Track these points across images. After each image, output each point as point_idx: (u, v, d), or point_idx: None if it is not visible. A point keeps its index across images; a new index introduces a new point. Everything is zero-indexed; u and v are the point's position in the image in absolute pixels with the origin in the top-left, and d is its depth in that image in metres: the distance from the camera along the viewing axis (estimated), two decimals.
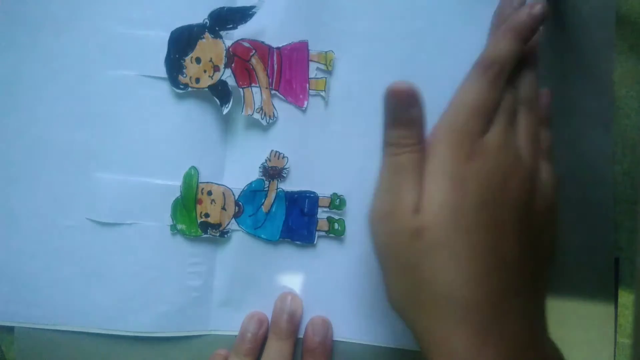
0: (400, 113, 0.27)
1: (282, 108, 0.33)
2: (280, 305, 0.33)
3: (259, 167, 0.33)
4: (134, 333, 0.33)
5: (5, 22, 0.33)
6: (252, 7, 0.32)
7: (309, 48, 0.33)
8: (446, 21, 0.33)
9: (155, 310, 0.33)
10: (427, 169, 0.26)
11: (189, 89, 0.33)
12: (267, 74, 0.33)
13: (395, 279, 0.26)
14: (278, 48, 0.33)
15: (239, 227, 0.33)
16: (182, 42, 0.33)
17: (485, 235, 0.25)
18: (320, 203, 0.33)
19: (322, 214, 0.33)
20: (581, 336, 0.33)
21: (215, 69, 0.33)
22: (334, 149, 0.33)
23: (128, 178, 0.33)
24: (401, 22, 0.33)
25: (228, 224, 0.33)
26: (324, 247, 0.34)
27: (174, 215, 0.33)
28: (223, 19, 0.32)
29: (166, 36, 0.33)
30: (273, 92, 0.33)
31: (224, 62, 0.33)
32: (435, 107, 0.34)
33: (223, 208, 0.33)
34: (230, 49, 0.33)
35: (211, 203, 0.33)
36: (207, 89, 0.33)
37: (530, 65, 0.29)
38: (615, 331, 0.33)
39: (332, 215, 0.33)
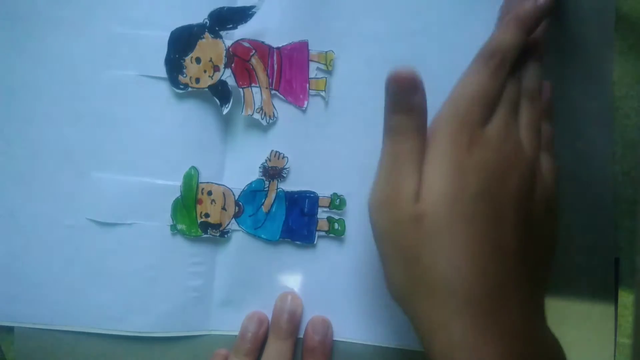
0: (401, 99, 0.26)
1: (282, 108, 0.33)
2: (280, 305, 0.33)
3: (259, 167, 0.33)
4: (134, 333, 0.33)
5: (5, 22, 0.33)
6: (252, 7, 0.32)
7: (309, 48, 0.33)
8: (446, 21, 0.33)
9: (156, 310, 0.33)
10: (428, 157, 0.26)
11: (189, 89, 0.33)
12: (267, 74, 0.33)
13: (394, 266, 0.26)
14: (278, 48, 0.33)
15: (239, 227, 0.33)
16: (182, 42, 0.33)
17: (485, 224, 0.25)
18: (320, 203, 0.33)
19: (322, 214, 0.33)
20: (581, 336, 0.33)
21: (215, 69, 0.33)
22: (334, 149, 0.33)
23: (128, 178, 0.33)
24: (401, 21, 0.33)
25: (228, 224, 0.33)
26: (324, 247, 0.34)
27: (174, 215, 0.33)
28: (223, 19, 0.32)
29: (166, 36, 0.33)
30: (273, 92, 0.33)
31: (224, 62, 0.33)
32: (436, 106, 0.34)
33: (223, 208, 0.33)
34: (230, 49, 0.33)
35: (211, 203, 0.33)
36: (207, 89, 0.33)
37: (534, 56, 0.29)
38: (615, 331, 0.33)
39: (332, 215, 0.33)
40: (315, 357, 0.33)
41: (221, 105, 0.33)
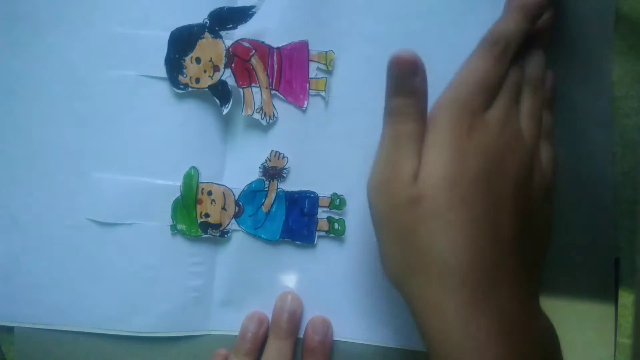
0: (402, 82, 0.26)
1: (282, 108, 0.33)
2: (280, 304, 0.33)
3: (259, 167, 0.33)
4: (134, 333, 0.33)
5: (6, 22, 0.33)
6: (252, 7, 0.32)
7: (309, 48, 0.33)
8: (446, 21, 0.33)
9: (156, 310, 0.33)
10: (427, 140, 0.26)
11: (189, 89, 0.33)
12: (267, 74, 0.33)
13: (391, 246, 0.26)
14: (278, 48, 0.33)
15: (239, 227, 0.33)
16: (182, 42, 0.33)
17: (482, 208, 0.25)
18: (320, 203, 0.33)
19: (322, 214, 0.33)
20: (581, 336, 0.33)
21: (215, 69, 0.33)
22: (334, 149, 0.33)
23: (128, 178, 0.33)
24: (401, 22, 0.33)
25: (228, 224, 0.33)
26: (324, 247, 0.34)
27: (174, 215, 0.33)
28: (223, 19, 0.32)
29: (166, 36, 0.33)
30: (273, 92, 0.33)
31: (224, 62, 0.33)
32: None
33: (223, 208, 0.33)
34: (230, 49, 0.33)
35: (211, 203, 0.33)
36: (207, 89, 0.33)
37: (538, 45, 0.29)
38: (616, 331, 0.33)
39: (332, 215, 0.33)
40: (315, 357, 0.33)
41: (221, 105, 0.33)
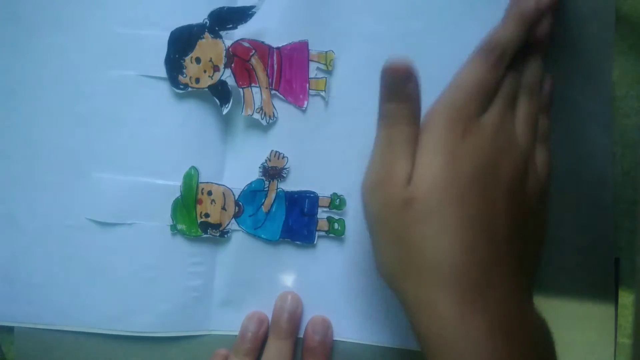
0: (396, 88, 0.27)
1: (282, 108, 0.33)
2: (280, 304, 0.33)
3: (259, 167, 0.33)
4: (134, 333, 0.33)
5: (5, 22, 0.33)
6: (252, 7, 0.32)
7: (309, 48, 0.33)
8: (446, 21, 0.33)
9: (155, 310, 0.33)
10: (422, 143, 0.26)
11: (189, 89, 0.33)
12: (267, 74, 0.33)
13: (385, 247, 0.27)
14: (278, 48, 0.33)
15: (239, 227, 0.33)
16: (182, 42, 0.33)
17: (476, 209, 0.25)
18: (320, 203, 0.33)
19: (322, 214, 0.33)
20: (581, 336, 0.33)
21: (215, 69, 0.33)
22: (334, 149, 0.33)
23: (128, 178, 0.33)
24: (401, 22, 0.33)
25: (228, 224, 0.33)
26: (324, 247, 0.34)
27: (174, 215, 0.33)
28: (223, 19, 0.32)
29: (166, 36, 0.33)
30: (273, 92, 0.33)
31: (223, 62, 0.33)
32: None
33: (223, 208, 0.33)
34: (230, 49, 0.33)
35: (211, 203, 0.33)
36: (207, 89, 0.33)
37: (536, 51, 0.29)
38: (616, 331, 0.33)
39: (332, 215, 0.33)
40: (315, 357, 0.33)
41: (221, 105, 0.33)
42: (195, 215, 0.33)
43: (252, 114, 0.33)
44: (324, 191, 0.33)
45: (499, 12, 0.31)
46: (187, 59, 0.33)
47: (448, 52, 0.33)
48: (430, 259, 0.25)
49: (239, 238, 0.33)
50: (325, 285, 0.33)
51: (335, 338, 0.33)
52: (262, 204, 0.33)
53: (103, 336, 0.34)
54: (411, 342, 0.33)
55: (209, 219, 0.33)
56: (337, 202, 0.33)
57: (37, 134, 0.34)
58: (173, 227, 0.33)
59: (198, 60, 0.33)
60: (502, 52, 0.27)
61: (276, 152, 0.33)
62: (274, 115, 0.33)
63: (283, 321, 0.33)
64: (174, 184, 0.33)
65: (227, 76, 0.33)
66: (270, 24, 0.33)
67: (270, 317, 0.33)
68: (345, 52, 0.33)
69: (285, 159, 0.33)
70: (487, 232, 0.25)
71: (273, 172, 0.33)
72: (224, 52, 0.33)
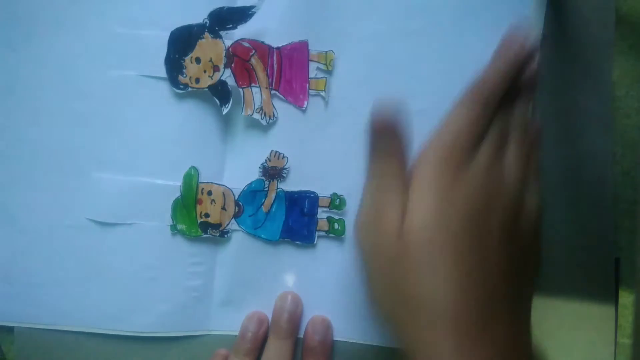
0: (380, 145, 0.27)
1: (282, 108, 0.33)
2: (280, 304, 0.33)
3: (259, 167, 0.33)
4: (134, 333, 0.33)
5: (6, 22, 0.33)
6: (252, 7, 0.32)
7: (309, 48, 0.33)
8: (446, 21, 0.33)
9: (155, 310, 0.33)
10: (412, 189, 0.26)
11: (189, 89, 0.33)
12: (267, 74, 0.33)
13: (380, 291, 0.27)
14: (278, 48, 0.33)
15: (239, 227, 0.33)
16: (182, 42, 0.33)
17: (470, 252, 0.25)
18: (320, 203, 0.33)
19: (322, 214, 0.33)
20: (581, 336, 0.33)
21: (215, 69, 0.33)
22: (334, 149, 0.33)
23: (128, 178, 0.33)
24: (401, 21, 0.33)
25: (228, 224, 0.33)
26: (324, 247, 0.34)
27: (174, 215, 0.33)
28: (223, 19, 0.32)
29: (166, 36, 0.33)
30: (273, 92, 0.33)
31: (223, 62, 0.33)
32: (436, 106, 0.34)
33: (223, 208, 0.33)
34: (230, 49, 0.33)
35: (211, 203, 0.33)
36: (207, 89, 0.33)
37: (526, 91, 0.29)
38: (616, 331, 0.33)
39: (332, 215, 0.33)
40: (315, 357, 0.33)
41: (221, 105, 0.33)
42: (195, 215, 0.33)
43: (252, 114, 0.33)
44: (324, 191, 0.33)
45: (499, 12, 0.31)
46: (187, 59, 0.33)
47: (448, 52, 0.33)
48: (427, 302, 0.25)
49: (239, 238, 0.33)
50: (325, 285, 0.33)
51: (335, 338, 0.33)
52: (262, 204, 0.33)
53: (103, 336, 0.34)
54: None
55: (209, 219, 0.33)
56: (337, 202, 0.33)
57: (37, 134, 0.33)
58: (173, 227, 0.33)
59: (198, 60, 0.33)
60: (489, 96, 0.28)
61: (276, 152, 0.33)
62: (274, 115, 0.33)
63: (283, 321, 0.33)
64: (174, 184, 0.33)
65: (227, 76, 0.33)
66: (270, 24, 0.33)
67: (270, 317, 0.33)
68: (345, 52, 0.33)
69: (285, 159, 0.33)
70: (482, 272, 0.25)
71: (273, 172, 0.33)
72: (224, 52, 0.33)
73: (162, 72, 0.33)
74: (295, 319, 0.33)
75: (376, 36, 0.33)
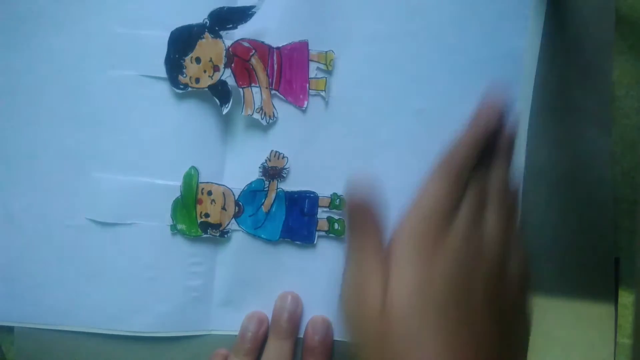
0: (358, 222, 0.28)
1: (282, 108, 0.33)
2: (280, 304, 0.33)
3: (259, 167, 0.33)
4: (134, 333, 0.33)
5: (6, 22, 0.33)
6: (252, 7, 0.32)
7: (309, 48, 0.33)
8: (446, 21, 0.33)
9: (155, 310, 0.33)
10: (392, 265, 0.26)
11: (189, 89, 0.33)
12: (267, 74, 0.33)
13: None
14: (278, 48, 0.33)
15: (239, 227, 0.33)
16: (182, 42, 0.33)
17: (455, 325, 0.25)
18: (320, 203, 0.33)
19: (322, 214, 0.33)
20: (581, 336, 0.33)
21: (215, 69, 0.33)
22: (334, 149, 0.33)
23: (128, 178, 0.33)
24: (401, 21, 0.33)
25: (228, 224, 0.33)
26: (324, 247, 0.34)
27: (174, 215, 0.33)
28: (223, 19, 0.32)
29: (166, 36, 0.33)
30: (273, 92, 0.33)
31: (223, 62, 0.33)
32: (436, 106, 0.34)
33: (223, 208, 0.33)
34: (230, 49, 0.33)
35: (211, 203, 0.33)
36: (207, 89, 0.33)
37: (503, 153, 0.29)
38: (616, 331, 0.33)
39: (332, 215, 0.33)
40: (315, 357, 0.33)
41: (221, 105, 0.33)
42: (195, 215, 0.33)
43: (252, 114, 0.33)
44: (324, 191, 0.33)
45: (499, 12, 0.31)
46: (187, 59, 0.33)
47: (448, 52, 0.33)
48: None
49: (239, 238, 0.33)
50: (325, 285, 0.33)
51: (335, 338, 0.33)
52: (262, 204, 0.33)
53: (103, 336, 0.34)
54: None
55: (209, 219, 0.33)
56: (337, 202, 0.33)
57: (37, 133, 0.33)
58: (173, 227, 0.33)
59: (198, 60, 0.33)
60: (459, 171, 0.28)
61: (276, 152, 0.33)
62: (274, 115, 0.33)
63: (283, 321, 0.33)
64: (174, 184, 0.33)
65: (227, 76, 0.33)
66: (270, 24, 0.33)
67: (270, 317, 0.33)
68: (345, 52, 0.33)
69: (285, 159, 0.33)
70: (470, 341, 0.25)
71: (273, 172, 0.33)
72: (224, 52, 0.33)
73: (162, 72, 0.33)
74: (295, 319, 0.33)
75: (376, 36, 0.33)
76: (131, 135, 0.33)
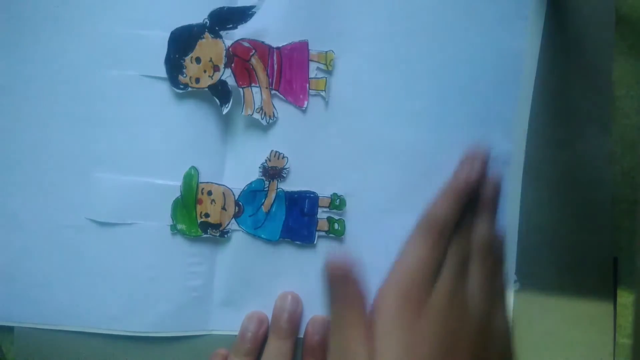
0: (336, 290, 0.28)
1: (282, 108, 0.33)
2: (280, 304, 0.33)
3: (259, 167, 0.33)
4: (134, 333, 0.33)
5: (5, 22, 0.33)
6: (252, 7, 0.32)
7: (309, 48, 0.33)
8: (446, 20, 0.33)
9: (155, 310, 0.33)
10: (377, 334, 0.26)
11: (189, 89, 0.33)
12: (267, 74, 0.33)
13: None
14: (278, 48, 0.33)
15: (239, 227, 0.33)
16: (182, 42, 0.33)
17: None
18: (320, 203, 0.33)
19: (322, 214, 0.33)
20: (581, 336, 0.33)
21: (215, 69, 0.33)
22: (334, 149, 0.33)
23: (128, 178, 0.33)
24: (401, 21, 0.33)
25: (228, 224, 0.33)
26: (324, 247, 0.34)
27: (174, 215, 0.33)
28: (223, 19, 0.32)
29: (166, 36, 0.33)
30: (273, 92, 0.33)
31: (223, 62, 0.33)
32: (436, 106, 0.34)
33: (223, 208, 0.33)
34: (230, 49, 0.33)
35: (211, 203, 0.33)
36: (207, 89, 0.33)
37: (486, 210, 0.30)
38: (615, 331, 0.33)
39: (332, 216, 0.33)
40: (315, 357, 0.33)
41: (221, 105, 0.33)
42: (195, 215, 0.33)
43: (252, 114, 0.33)
44: (324, 191, 0.33)
45: (499, 12, 0.31)
46: (187, 58, 0.33)
47: (448, 52, 0.33)
48: None
49: (239, 238, 0.33)
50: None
51: None
52: (262, 204, 0.33)
53: (103, 336, 0.34)
54: None
55: (209, 219, 0.33)
56: (337, 202, 0.33)
57: (37, 133, 0.33)
58: (173, 227, 0.33)
59: (198, 60, 0.33)
60: (441, 229, 0.28)
61: (276, 152, 0.33)
62: (274, 115, 0.33)
63: (283, 321, 0.33)
64: (174, 184, 0.33)
65: (227, 76, 0.33)
66: (270, 24, 0.33)
67: (270, 317, 0.33)
68: (345, 52, 0.33)
69: (285, 159, 0.33)
70: None
71: (273, 172, 0.33)
72: (224, 52, 0.33)
73: (162, 72, 0.33)
74: (295, 319, 0.33)
75: (376, 36, 0.33)
76: (131, 135, 0.33)
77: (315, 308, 0.34)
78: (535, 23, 0.33)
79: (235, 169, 0.34)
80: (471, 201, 0.29)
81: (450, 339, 0.26)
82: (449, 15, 0.33)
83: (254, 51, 0.33)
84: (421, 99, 0.33)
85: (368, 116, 0.33)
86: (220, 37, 0.33)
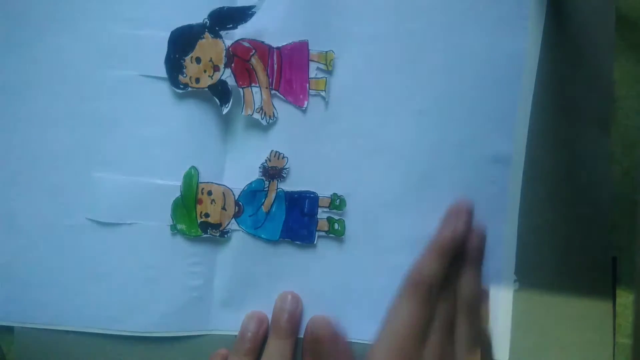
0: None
1: (282, 108, 0.33)
2: (280, 304, 0.33)
3: (259, 167, 0.33)
4: (134, 333, 0.33)
5: (5, 22, 0.33)
6: (252, 7, 0.32)
7: (309, 48, 0.33)
8: (446, 21, 0.33)
9: (155, 310, 0.33)
10: None
11: (189, 89, 0.33)
12: (267, 74, 0.33)
13: None
14: (278, 48, 0.33)
15: (239, 227, 0.33)
16: (182, 42, 0.33)
17: None
18: (320, 203, 0.33)
19: (322, 214, 0.33)
20: (580, 336, 0.33)
21: (215, 68, 0.33)
22: (334, 149, 0.33)
23: (128, 178, 0.33)
24: (401, 22, 0.33)
25: (228, 224, 0.33)
26: (324, 247, 0.34)
27: (174, 215, 0.33)
28: (223, 19, 0.32)
29: (166, 36, 0.33)
30: (273, 92, 0.33)
31: (223, 62, 0.33)
32: (436, 106, 0.34)
33: (223, 208, 0.33)
34: (230, 49, 0.33)
35: (211, 203, 0.33)
36: (207, 89, 0.33)
37: (472, 257, 0.30)
38: (614, 331, 0.33)
39: (332, 216, 0.33)
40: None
41: (221, 105, 0.33)
42: (195, 215, 0.33)
43: (252, 114, 0.33)
44: (324, 191, 0.33)
45: (499, 12, 0.31)
46: (187, 58, 0.33)
47: (448, 52, 0.33)
48: None
49: (239, 238, 0.33)
50: (325, 285, 0.33)
51: None
52: (262, 204, 0.33)
53: (103, 336, 0.34)
54: None
55: (209, 219, 0.33)
56: (337, 202, 0.33)
57: (37, 133, 0.33)
58: (173, 227, 0.33)
59: (198, 60, 0.33)
60: (428, 287, 0.29)
61: (276, 152, 0.33)
62: (274, 115, 0.33)
63: (283, 321, 0.33)
64: (174, 184, 0.33)
65: (227, 76, 0.33)
66: (270, 24, 0.33)
67: (270, 317, 0.33)
68: (345, 52, 0.33)
69: (285, 159, 0.33)
70: None
71: (273, 172, 0.33)
72: (224, 52, 0.33)
73: (162, 72, 0.33)
74: (295, 319, 0.33)
75: (376, 36, 0.33)
76: (131, 135, 0.33)
77: (315, 308, 0.34)
78: (535, 23, 0.33)
79: (235, 169, 0.34)
80: (457, 254, 0.30)
81: None
82: (449, 15, 0.33)
83: (254, 51, 0.33)
84: (421, 99, 0.33)
85: (368, 116, 0.33)
86: (220, 37, 0.33)
